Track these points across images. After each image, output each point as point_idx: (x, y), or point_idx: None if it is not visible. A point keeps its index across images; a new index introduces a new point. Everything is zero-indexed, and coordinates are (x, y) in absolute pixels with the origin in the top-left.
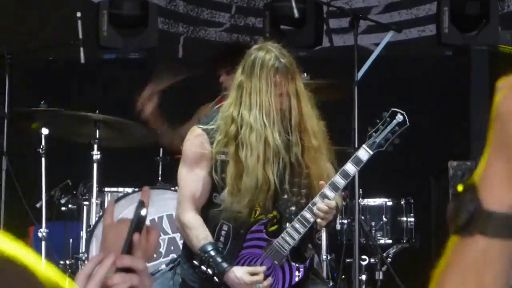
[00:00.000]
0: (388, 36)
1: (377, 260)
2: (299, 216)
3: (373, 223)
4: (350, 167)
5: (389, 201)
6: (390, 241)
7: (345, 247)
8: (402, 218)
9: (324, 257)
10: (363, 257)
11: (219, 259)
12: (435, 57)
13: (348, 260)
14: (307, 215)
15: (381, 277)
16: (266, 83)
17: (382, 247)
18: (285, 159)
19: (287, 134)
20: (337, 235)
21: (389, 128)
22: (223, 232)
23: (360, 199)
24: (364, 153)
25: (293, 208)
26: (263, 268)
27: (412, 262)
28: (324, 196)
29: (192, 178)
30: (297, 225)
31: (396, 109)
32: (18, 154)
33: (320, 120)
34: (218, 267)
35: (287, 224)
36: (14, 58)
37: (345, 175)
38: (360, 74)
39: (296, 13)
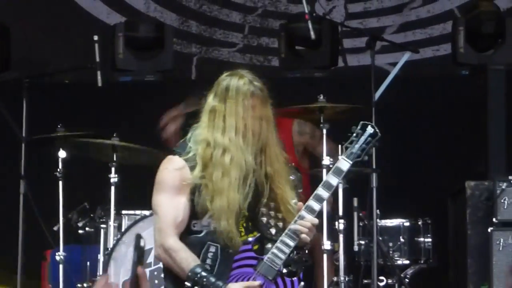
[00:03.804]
0: (406, 57)
1: (395, 281)
2: (287, 231)
3: (390, 244)
4: (332, 178)
5: (406, 221)
6: (407, 262)
7: (363, 268)
8: (419, 239)
9: (342, 278)
10: (381, 278)
11: (212, 279)
12: (451, 77)
13: (366, 281)
14: (296, 227)
15: None
16: (243, 106)
17: (400, 268)
18: (257, 181)
19: (257, 157)
20: (354, 256)
21: (363, 139)
22: (209, 254)
23: (378, 220)
24: (344, 164)
25: (273, 230)
26: (259, 282)
27: (429, 282)
28: (310, 209)
29: (174, 204)
30: (287, 239)
31: (366, 122)
32: (35, 178)
33: (283, 148)
34: (214, 286)
35: (269, 245)
36: (31, 82)
37: (328, 186)
38: (377, 94)
39: (313, 35)
